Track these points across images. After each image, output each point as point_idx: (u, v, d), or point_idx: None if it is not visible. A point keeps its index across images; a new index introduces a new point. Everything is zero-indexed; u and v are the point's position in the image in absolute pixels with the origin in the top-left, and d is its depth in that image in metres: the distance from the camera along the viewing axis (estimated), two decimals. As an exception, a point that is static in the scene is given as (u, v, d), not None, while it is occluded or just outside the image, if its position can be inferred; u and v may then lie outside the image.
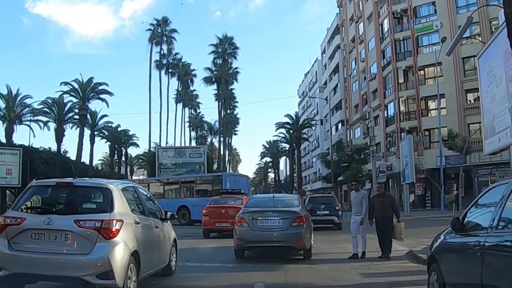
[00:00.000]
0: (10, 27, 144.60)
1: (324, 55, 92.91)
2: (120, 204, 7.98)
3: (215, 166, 72.59)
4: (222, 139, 77.48)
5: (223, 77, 70.18)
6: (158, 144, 69.64)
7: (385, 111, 59.69)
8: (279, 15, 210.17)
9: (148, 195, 10.54)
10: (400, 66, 57.13)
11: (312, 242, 14.35)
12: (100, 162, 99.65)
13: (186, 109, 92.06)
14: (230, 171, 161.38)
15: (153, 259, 9.14)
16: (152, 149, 63.02)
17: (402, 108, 56.74)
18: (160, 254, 9.82)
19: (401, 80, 57.21)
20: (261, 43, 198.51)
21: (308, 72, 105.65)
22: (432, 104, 54.49)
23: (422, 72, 55.39)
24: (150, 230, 9.16)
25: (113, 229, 7.50)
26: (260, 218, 13.37)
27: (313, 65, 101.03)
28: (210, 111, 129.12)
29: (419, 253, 13.66)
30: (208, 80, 73.28)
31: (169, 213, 10.57)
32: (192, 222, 32.82)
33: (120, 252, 7.46)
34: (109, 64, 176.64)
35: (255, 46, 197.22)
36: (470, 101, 51.34)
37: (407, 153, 39.88)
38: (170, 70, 73.88)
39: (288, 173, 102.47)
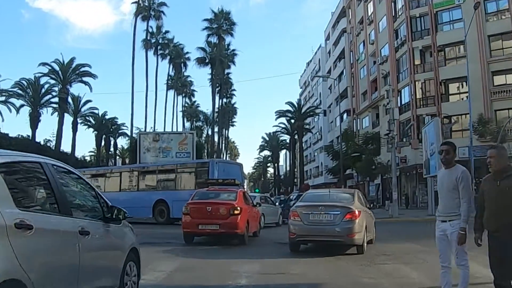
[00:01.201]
0: (11, 21, 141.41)
1: (328, 41, 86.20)
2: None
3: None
4: (217, 128, 70.29)
5: (217, 57, 62.77)
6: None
7: (398, 97, 52.96)
8: (279, 11, 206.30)
9: (82, 182, 6.23)
10: (416, 46, 50.46)
11: (373, 236, 14.84)
12: (91, 154, 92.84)
13: (180, 98, 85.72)
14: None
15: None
16: (134, 135, 55.88)
17: (418, 93, 50.10)
18: (94, 277, 5.52)
19: (417, 62, 50.58)
20: (261, 40, 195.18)
21: (311, 60, 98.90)
22: (453, 88, 47.88)
23: (441, 52, 48.70)
24: (66, 239, 5.01)
25: None
26: (312, 212, 13.24)
27: (316, 53, 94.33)
28: (206, 101, 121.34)
29: None
30: (201, 61, 65.67)
31: (118, 210, 6.45)
32: (171, 220, 26.38)
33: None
34: (108, 59, 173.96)
35: (256, 42, 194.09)
36: (497, 84, 44.76)
37: (433, 140, 33.27)
38: (160, 52, 66.54)
39: (288, 168, 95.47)
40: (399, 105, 52.99)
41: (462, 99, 45.51)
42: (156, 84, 63.31)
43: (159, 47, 65.56)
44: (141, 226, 26.85)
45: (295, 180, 79.88)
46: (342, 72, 73.95)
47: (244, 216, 15.95)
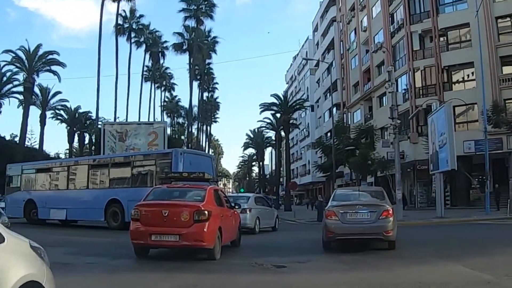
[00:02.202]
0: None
1: (316, 32, 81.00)
2: None
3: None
4: (191, 120, 64.51)
5: (195, 43, 56.84)
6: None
7: (395, 87, 47.74)
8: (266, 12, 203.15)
9: None
10: (415, 30, 45.33)
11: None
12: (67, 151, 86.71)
13: (160, 92, 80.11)
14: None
15: None
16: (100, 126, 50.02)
17: (417, 81, 44.97)
18: None
19: (416, 48, 45.44)
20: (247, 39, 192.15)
21: (298, 54, 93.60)
22: (456, 76, 42.83)
23: (443, 37, 43.64)
24: None
25: None
26: (350, 211, 13.42)
27: (303, 46, 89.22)
28: (188, 95, 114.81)
29: None
30: (178, 47, 59.47)
31: None
32: (127, 225, 20.66)
33: None
34: (95, 58, 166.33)
35: (241, 40, 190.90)
36: (507, 71, 39.79)
37: (444, 129, 28.07)
38: (134, 39, 60.53)
39: (274, 166, 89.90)
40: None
41: (469, 87, 40.47)
42: (129, 73, 57.63)
43: (132, 33, 59.41)
44: (87, 232, 22.60)
45: (281, 179, 74.49)
46: (331, 64, 68.62)
47: (215, 223, 11.91)
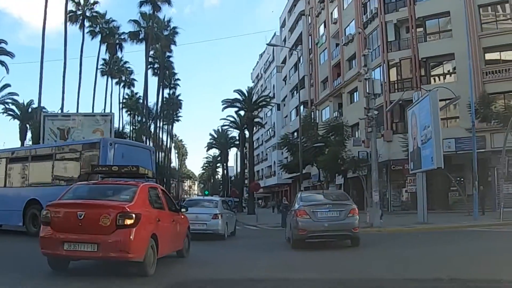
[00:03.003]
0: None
1: (283, 28, 76.78)
2: None
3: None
4: (146, 116, 59.08)
5: (151, 31, 51.68)
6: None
7: (366, 85, 43.70)
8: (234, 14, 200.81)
9: None
10: (389, 20, 41.33)
11: None
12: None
13: (119, 88, 74.74)
14: (177, 166, 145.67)
15: None
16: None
17: (392, 74, 41.05)
18: None
19: (391, 38, 41.44)
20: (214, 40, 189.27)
21: (264, 51, 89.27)
22: (435, 68, 39.07)
23: (421, 28, 39.77)
24: None
25: None
26: (321, 210, 14.25)
27: (269, 42, 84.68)
28: (150, 93, 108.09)
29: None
30: (134, 36, 54.29)
31: None
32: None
33: None
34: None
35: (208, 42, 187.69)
36: (490, 63, 36.11)
37: (428, 121, 23.96)
38: (89, 29, 55.07)
39: (239, 168, 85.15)
40: (367, 90, 43.82)
41: (449, 80, 36.71)
42: (80, 64, 52.48)
43: (87, 22, 54.00)
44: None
45: (245, 181, 70.00)
46: (299, 60, 64.28)
47: (146, 229, 9.72)
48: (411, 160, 27.27)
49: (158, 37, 54.25)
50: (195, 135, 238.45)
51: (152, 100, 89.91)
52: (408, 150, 28.23)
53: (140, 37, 53.48)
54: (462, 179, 36.73)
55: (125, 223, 9.07)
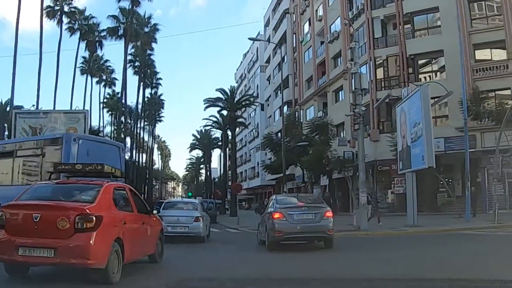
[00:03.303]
0: None
1: (267, 27, 75.14)
2: None
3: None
4: (126, 115, 56.84)
5: (129, 27, 49.56)
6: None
7: (353, 79, 42.15)
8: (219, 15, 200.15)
9: None
10: (376, 16, 39.90)
11: None
12: None
13: (100, 88, 72.51)
14: (160, 167, 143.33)
15: None
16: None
17: (379, 72, 39.60)
18: None
19: (377, 35, 40.00)
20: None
21: (248, 51, 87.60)
22: (424, 65, 37.74)
23: (409, 24, 38.40)
24: None
25: None
26: (297, 212, 14.45)
27: (253, 42, 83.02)
28: (132, 92, 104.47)
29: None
30: (113, 32, 52.13)
31: None
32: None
33: None
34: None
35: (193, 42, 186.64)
36: (480, 59, 34.81)
37: (419, 118, 22.43)
38: (68, 25, 52.72)
39: (223, 169, 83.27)
40: (353, 88, 42.33)
41: (439, 77, 35.36)
42: (58, 61, 49.87)
43: (65, 18, 51.69)
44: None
45: (229, 182, 68.12)
46: (283, 59, 62.72)
47: (109, 233, 8.87)
48: (400, 160, 25.73)
49: (137, 33, 52.23)
50: (179, 136, 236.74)
51: (133, 99, 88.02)
52: (397, 149, 26.67)
53: (119, 33, 51.28)
54: (450, 180, 35.45)
55: (85, 226, 8.36)
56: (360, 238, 20.18)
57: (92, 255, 8.35)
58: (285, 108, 58.80)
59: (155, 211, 12.41)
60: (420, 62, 37.71)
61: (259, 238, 17.25)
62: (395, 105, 38.57)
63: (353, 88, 24.01)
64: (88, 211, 8.49)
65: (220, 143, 79.62)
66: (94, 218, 8.44)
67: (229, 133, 61.24)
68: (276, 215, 14.43)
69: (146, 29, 56.45)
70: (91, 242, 8.33)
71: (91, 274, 8.77)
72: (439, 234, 20.02)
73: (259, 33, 79.97)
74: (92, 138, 20.44)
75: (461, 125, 31.18)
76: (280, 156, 36.72)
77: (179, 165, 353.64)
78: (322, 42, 50.14)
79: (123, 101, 55.17)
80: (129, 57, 63.25)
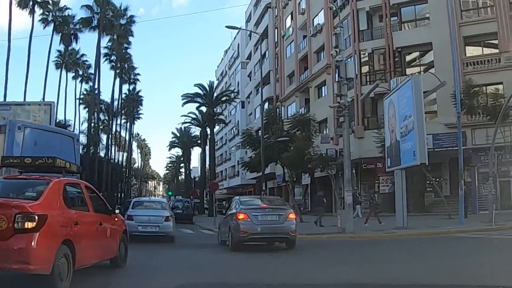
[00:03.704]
0: None
1: (249, 23, 72.80)
2: None
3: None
4: (97, 110, 54.15)
5: (103, 17, 46.82)
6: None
7: (336, 74, 40.14)
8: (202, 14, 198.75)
9: None
10: (362, 8, 38.06)
11: None
12: None
13: (76, 83, 69.54)
14: (139, 166, 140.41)
15: None
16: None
17: (364, 66, 37.65)
18: None
19: (363, 27, 38.07)
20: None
21: (229, 47, 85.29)
22: (411, 59, 35.84)
23: (396, 16, 36.49)
24: None
25: None
26: (261, 213, 14.50)
27: (234, 38, 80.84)
28: (109, 89, 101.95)
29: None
30: (86, 23, 49.32)
31: None
32: None
33: None
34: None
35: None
36: (471, 53, 33.02)
37: (411, 110, 20.39)
38: (41, 16, 49.74)
39: (201, 168, 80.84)
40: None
41: (427, 71, 33.39)
42: (29, 53, 47.12)
43: (38, 8, 48.79)
44: None
45: (209, 181, 65.74)
46: (264, 55, 60.52)
47: (55, 234, 7.75)
48: (388, 156, 23.65)
49: (113, 25, 49.51)
50: (159, 134, 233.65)
51: (110, 95, 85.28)
52: (385, 145, 24.59)
53: (93, 24, 48.64)
54: (437, 179, 33.64)
55: (26, 226, 7.35)
56: (345, 242, 18.18)
57: (34, 259, 7.34)
58: (266, 105, 56.64)
59: (117, 211, 11.37)
60: (408, 56, 35.80)
61: (220, 238, 17.31)
62: (380, 99, 36.86)
63: (338, 78, 21.72)
64: (29, 209, 7.47)
65: (200, 141, 77.32)
66: (36, 217, 7.44)
67: (209, 130, 59.04)
68: (241, 216, 14.47)
69: (122, 21, 53.73)
70: (32, 244, 7.32)
71: (36, 280, 7.69)
72: (434, 237, 18.02)
73: (240, 29, 77.81)
74: (42, 127, 18.11)
75: (451, 122, 29.62)
76: (259, 153, 34.41)
77: (160, 163, 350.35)
78: (304, 36, 48.15)
79: (97, 93, 52.34)
80: (105, 51, 60.80)
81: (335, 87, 22.13)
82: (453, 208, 27.78)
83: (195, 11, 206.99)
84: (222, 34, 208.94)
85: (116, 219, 10.93)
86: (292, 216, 14.75)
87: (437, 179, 33.63)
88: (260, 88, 59.18)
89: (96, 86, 52.21)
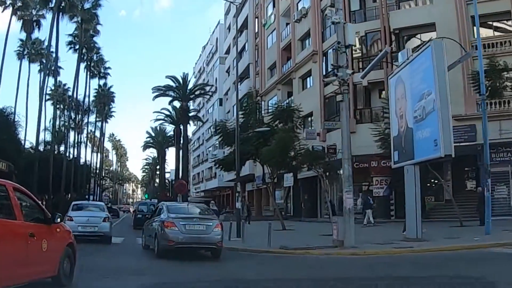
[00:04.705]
0: None
1: (227, 15, 67.54)
2: None
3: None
4: (67, 106, 48.44)
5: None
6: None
7: (324, 62, 35.16)
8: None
9: None
10: (354, -15, 33.09)
11: None
12: None
13: (42, 76, 63.44)
14: (115, 168, 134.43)
15: None
16: None
17: (356, 51, 32.74)
18: None
19: (354, 7, 33.18)
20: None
21: (207, 42, 79.97)
22: (411, 41, 30.92)
23: (391, -7, 31.76)
24: None
25: None
26: (189, 223, 14.07)
27: (213, 32, 75.58)
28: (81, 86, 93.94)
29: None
30: (44, 3, 42.98)
31: None
32: None
33: None
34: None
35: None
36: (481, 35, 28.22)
37: (431, 86, 15.29)
38: None
39: (176, 168, 75.27)
40: (324, 72, 35.32)
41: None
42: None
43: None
44: None
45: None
46: (243, 47, 55.27)
47: None
48: (395, 149, 18.40)
49: (73, 5, 43.76)
50: (136, 135, 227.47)
51: (80, 91, 79.43)
52: (391, 135, 19.33)
53: (51, 5, 42.79)
54: (436, 181, 29.04)
55: None
56: (344, 261, 13.04)
57: None
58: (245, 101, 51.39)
59: (58, 219, 9.04)
60: (407, 38, 30.88)
61: (144, 243, 16.81)
62: (375, 89, 31.95)
63: (336, 44, 16.59)
64: None
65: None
66: None
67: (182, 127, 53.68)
68: (169, 224, 14.02)
69: (87, 5, 48.09)
70: None
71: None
72: (463, 254, 13.02)
73: (219, 22, 72.65)
74: None
75: (459, 113, 25.04)
76: (234, 148, 28.80)
77: (138, 165, 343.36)
78: (287, 24, 43.09)
79: (55, 82, 46.66)
80: (69, 39, 55.26)
81: (331, 56, 16.76)
82: (459, 214, 23.34)
83: (177, 14, 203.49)
84: (202, 31, 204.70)
85: (58, 229, 8.97)
86: (219, 226, 14.37)
87: (436, 181, 29.09)
88: (239, 83, 54.26)
89: (56, 77, 46.19)
